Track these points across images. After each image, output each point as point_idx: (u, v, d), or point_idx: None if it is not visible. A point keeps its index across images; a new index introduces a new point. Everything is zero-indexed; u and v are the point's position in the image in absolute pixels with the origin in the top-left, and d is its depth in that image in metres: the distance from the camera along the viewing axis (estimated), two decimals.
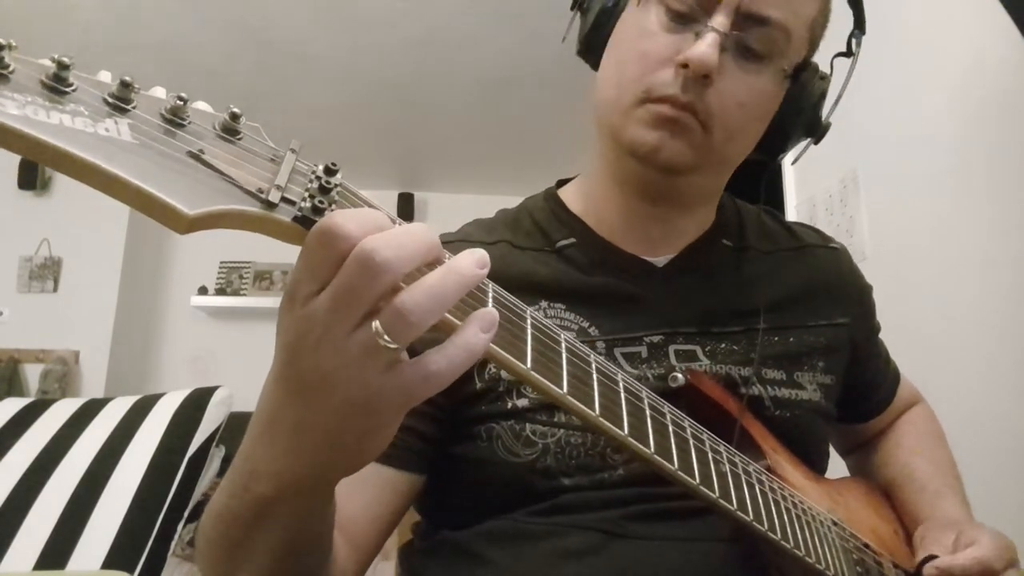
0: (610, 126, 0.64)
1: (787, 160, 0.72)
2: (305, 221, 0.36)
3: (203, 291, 4.00)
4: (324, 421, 0.37)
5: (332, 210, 0.36)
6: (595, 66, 0.68)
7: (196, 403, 1.17)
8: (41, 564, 0.93)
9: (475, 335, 0.36)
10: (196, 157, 0.34)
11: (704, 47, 0.57)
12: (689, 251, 0.71)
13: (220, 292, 4.02)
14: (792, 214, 1.84)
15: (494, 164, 4.02)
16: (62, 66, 0.31)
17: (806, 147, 0.70)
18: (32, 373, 3.64)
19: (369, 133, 3.65)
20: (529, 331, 0.41)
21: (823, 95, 0.67)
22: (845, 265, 0.80)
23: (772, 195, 1.81)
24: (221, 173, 0.35)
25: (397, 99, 3.25)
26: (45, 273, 3.76)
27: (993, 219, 1.14)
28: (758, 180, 0.73)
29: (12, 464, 1.03)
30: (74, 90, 0.32)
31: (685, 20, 0.59)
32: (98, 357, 3.71)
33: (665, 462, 0.46)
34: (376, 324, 0.34)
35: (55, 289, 3.76)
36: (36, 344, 3.67)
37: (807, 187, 1.77)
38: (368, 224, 0.34)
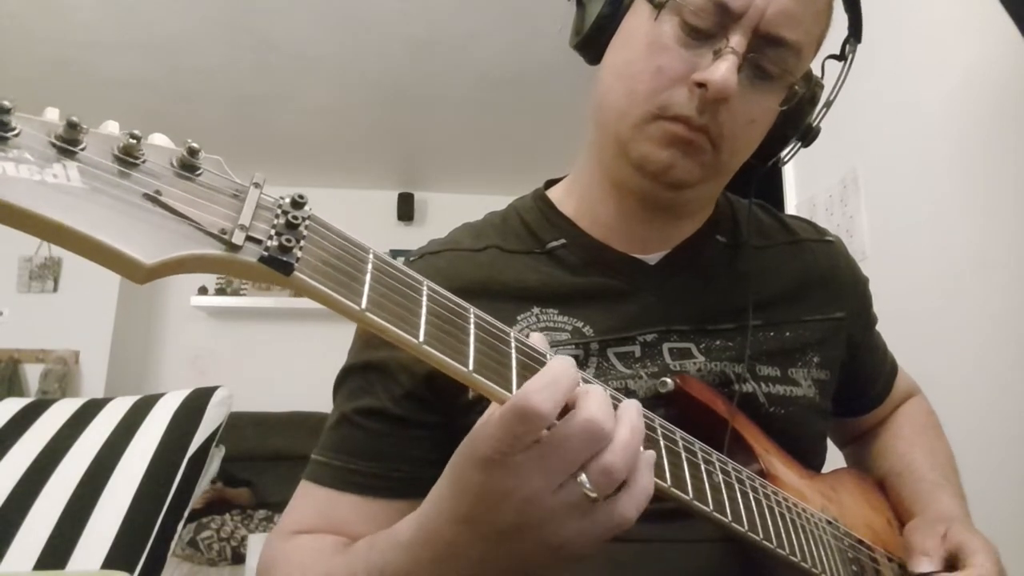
0: (617, 137, 0.63)
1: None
2: (273, 261, 0.34)
3: (203, 291, 4.00)
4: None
5: (302, 247, 0.35)
6: (591, 61, 0.66)
7: (196, 403, 1.17)
8: (41, 564, 0.93)
9: (649, 477, 0.42)
10: (152, 199, 0.32)
11: (724, 70, 0.55)
12: (682, 248, 0.70)
13: (220, 292, 4.02)
14: (792, 214, 1.84)
15: (494, 164, 4.02)
16: (3, 110, 0.29)
17: (796, 150, 0.70)
18: (32, 373, 3.64)
19: (369, 133, 3.65)
20: (514, 355, 0.42)
21: (815, 101, 0.66)
22: (841, 258, 0.79)
23: (772, 195, 1.82)
24: (180, 215, 0.32)
25: (397, 99, 3.25)
26: (45, 273, 3.76)
27: (993, 219, 1.14)
28: (753, 179, 0.72)
29: (12, 464, 1.03)
30: (17, 134, 0.29)
31: (701, 36, 0.58)
32: (98, 357, 3.71)
33: (659, 480, 0.46)
34: (584, 479, 0.40)
35: (55, 289, 3.77)
36: (36, 344, 3.67)
37: (807, 187, 1.77)
38: (561, 396, 0.39)
